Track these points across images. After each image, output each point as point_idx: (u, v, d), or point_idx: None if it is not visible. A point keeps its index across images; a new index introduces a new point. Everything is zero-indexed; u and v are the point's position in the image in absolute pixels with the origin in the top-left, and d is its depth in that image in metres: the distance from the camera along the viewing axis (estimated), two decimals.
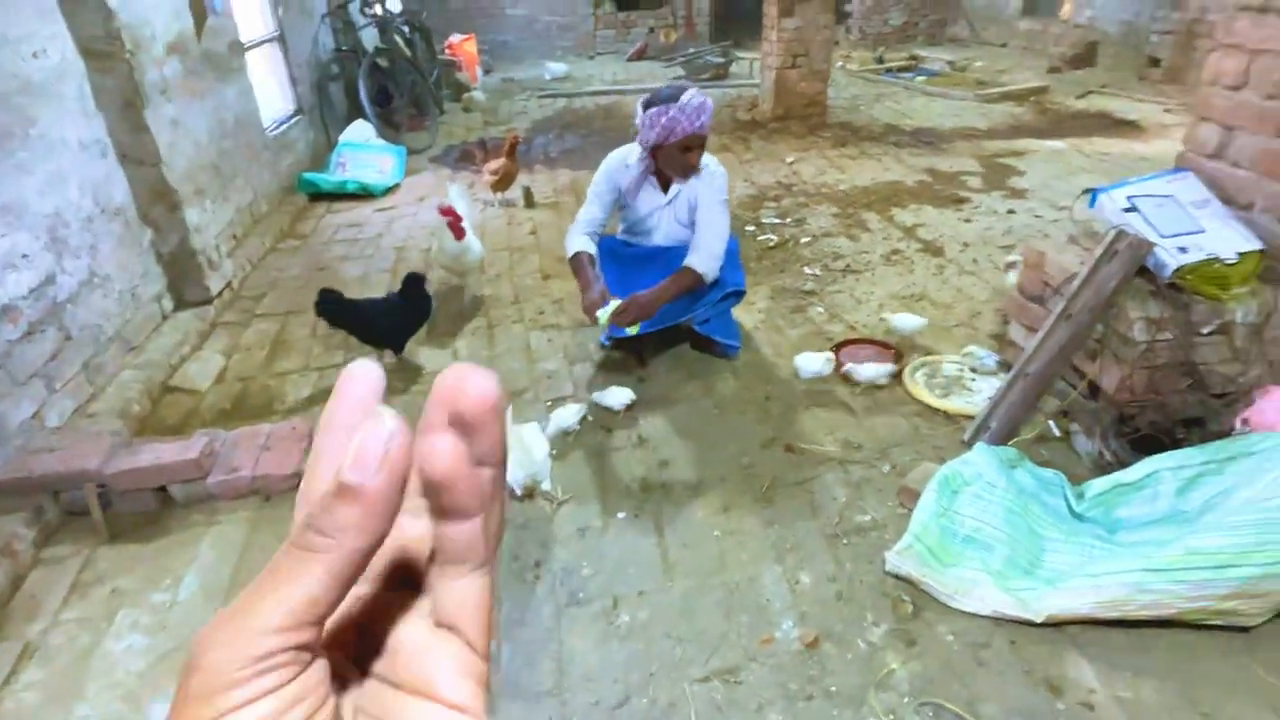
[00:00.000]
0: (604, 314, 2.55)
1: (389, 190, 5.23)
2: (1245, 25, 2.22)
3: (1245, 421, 1.99)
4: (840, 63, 8.76)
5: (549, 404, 2.74)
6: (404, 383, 2.91)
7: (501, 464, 0.27)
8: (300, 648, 0.23)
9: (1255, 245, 2.15)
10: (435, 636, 0.27)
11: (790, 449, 2.46)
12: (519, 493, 2.24)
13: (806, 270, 3.73)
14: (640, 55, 9.93)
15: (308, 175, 5.04)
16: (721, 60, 8.46)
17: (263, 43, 5.08)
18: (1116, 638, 1.75)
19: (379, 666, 0.27)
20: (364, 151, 5.55)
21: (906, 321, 2.97)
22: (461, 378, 0.26)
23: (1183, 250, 2.12)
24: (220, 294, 3.52)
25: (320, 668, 0.24)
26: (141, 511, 2.29)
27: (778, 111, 6.38)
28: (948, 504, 1.97)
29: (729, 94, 7.73)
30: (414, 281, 2.90)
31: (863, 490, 2.26)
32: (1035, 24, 9.30)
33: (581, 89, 8.31)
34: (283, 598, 0.23)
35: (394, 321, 2.91)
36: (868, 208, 4.50)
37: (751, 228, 4.27)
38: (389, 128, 6.16)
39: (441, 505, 0.26)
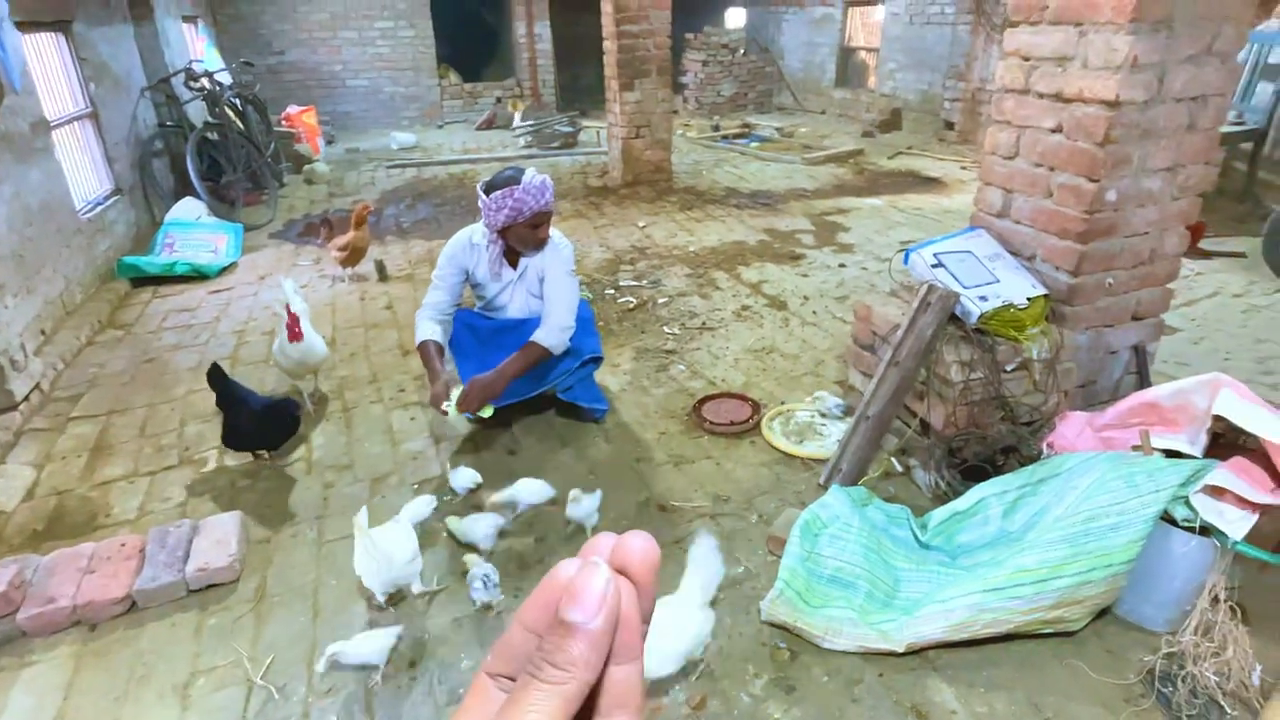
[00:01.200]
0: (450, 404, 2.54)
1: (224, 270, 4.92)
2: (1011, 104, 2.61)
3: (1050, 445, 2.26)
4: (681, 131, 9.31)
5: (416, 486, 2.64)
6: (258, 484, 2.71)
7: (649, 621, 0.31)
8: None
9: (1041, 291, 2.48)
10: None
11: (664, 508, 2.52)
12: (380, 600, 2.09)
13: (666, 330, 3.87)
14: (489, 124, 10.06)
15: (129, 259, 4.64)
16: (570, 129, 8.74)
17: (72, 120, 4.70)
18: (970, 656, 1.90)
19: None
20: (194, 230, 5.21)
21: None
22: (628, 542, 0.30)
23: (984, 299, 2.42)
24: (27, 398, 3.14)
25: None
26: None
27: (627, 178, 6.67)
28: (810, 547, 2.08)
29: (579, 161, 7.98)
30: (282, 411, 2.68)
31: (735, 542, 2.34)
32: (848, 93, 10.36)
33: (432, 158, 8.27)
34: None
35: (253, 429, 2.67)
36: (717, 267, 4.76)
37: (611, 291, 4.39)
38: (222, 204, 5.83)
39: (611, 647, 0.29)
